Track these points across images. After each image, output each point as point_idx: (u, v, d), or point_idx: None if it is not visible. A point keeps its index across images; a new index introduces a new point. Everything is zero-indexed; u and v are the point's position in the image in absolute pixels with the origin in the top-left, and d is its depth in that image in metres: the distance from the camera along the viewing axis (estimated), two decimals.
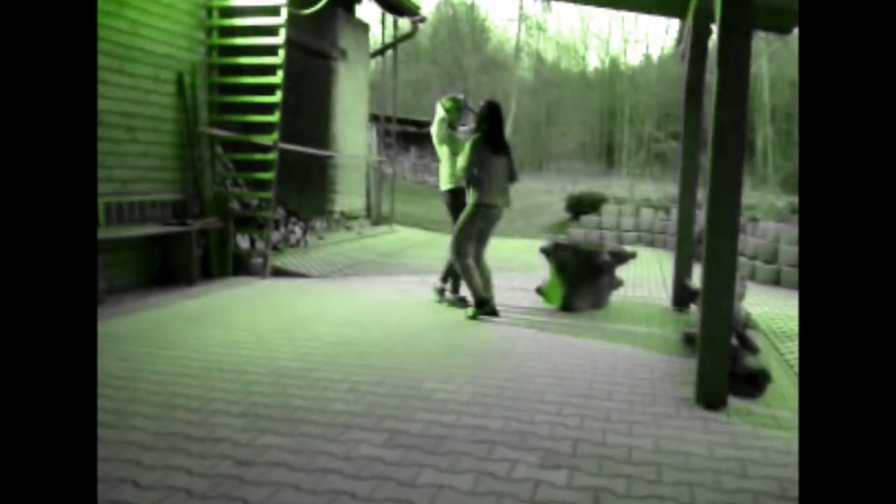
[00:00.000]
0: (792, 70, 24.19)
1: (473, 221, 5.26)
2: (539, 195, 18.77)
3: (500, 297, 5.80)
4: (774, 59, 24.58)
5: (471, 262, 5.27)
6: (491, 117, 5.29)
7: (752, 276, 7.84)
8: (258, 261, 6.99)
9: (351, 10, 11.08)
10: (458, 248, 5.24)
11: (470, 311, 5.27)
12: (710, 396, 3.34)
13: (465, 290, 5.60)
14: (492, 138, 5.24)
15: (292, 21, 7.24)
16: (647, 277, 7.39)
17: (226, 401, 3.23)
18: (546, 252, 5.86)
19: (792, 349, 4.63)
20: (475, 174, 5.19)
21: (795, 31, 5.53)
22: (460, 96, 5.92)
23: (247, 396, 3.30)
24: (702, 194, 5.70)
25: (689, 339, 4.33)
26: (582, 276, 5.67)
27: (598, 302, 5.77)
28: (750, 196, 11.62)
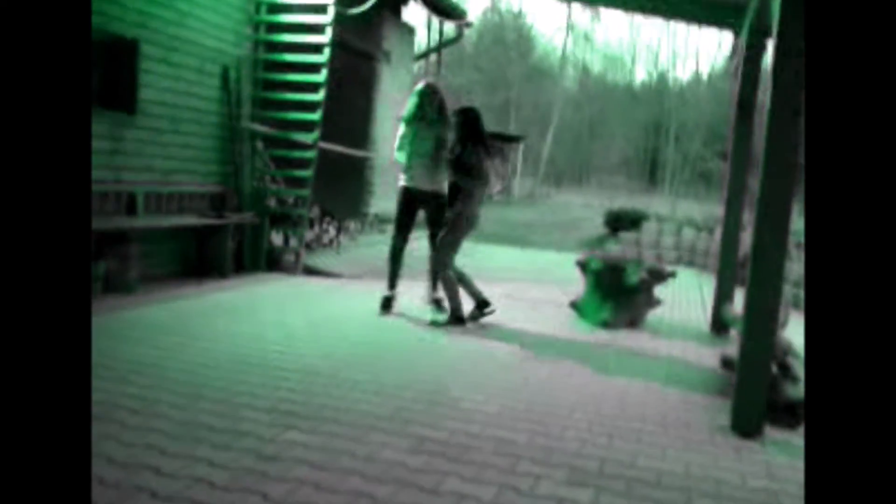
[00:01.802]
0: None
1: (466, 233, 5.29)
2: (577, 209, 18.66)
3: (532, 311, 5.78)
4: None
5: (452, 273, 5.27)
6: (474, 124, 5.27)
7: (796, 304, 7.67)
8: (291, 258, 7.08)
9: (397, 13, 11.19)
10: (447, 262, 5.24)
11: (441, 317, 5.17)
12: (746, 424, 3.27)
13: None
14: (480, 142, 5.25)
15: (338, 20, 7.34)
16: (686, 298, 7.28)
17: (252, 395, 3.28)
18: (582, 265, 5.82)
19: None
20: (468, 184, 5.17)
21: None
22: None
23: (273, 392, 3.34)
24: (748, 216, 5.61)
25: (726, 364, 4.25)
26: (618, 293, 5.61)
27: (635, 320, 5.70)
28: (798, 222, 11.37)
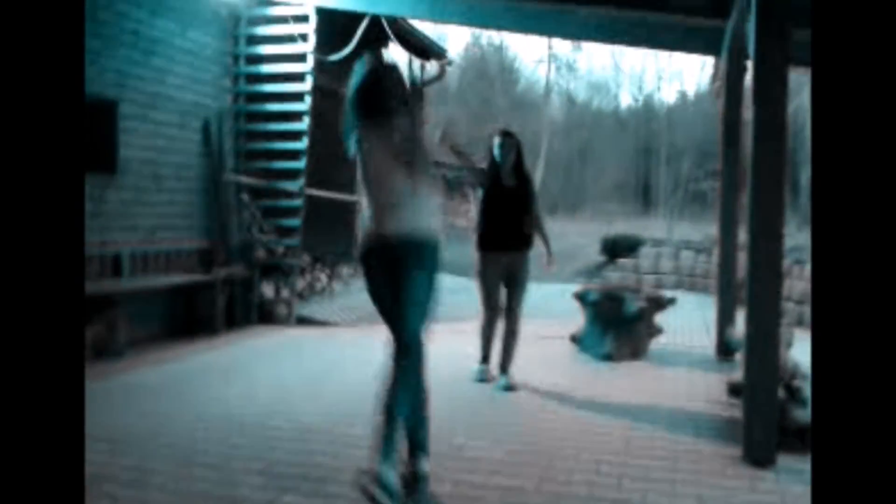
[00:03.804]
0: None
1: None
2: (573, 237, 18.72)
3: (533, 346, 5.76)
4: None
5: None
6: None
7: (800, 323, 7.66)
8: (283, 309, 7.06)
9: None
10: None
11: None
12: (758, 453, 3.24)
13: None
14: None
15: (319, 67, 7.46)
16: (688, 324, 7.26)
17: (247, 457, 3.23)
18: (580, 297, 5.81)
19: None
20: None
21: None
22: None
23: (268, 452, 3.30)
24: (743, 236, 5.64)
25: (734, 391, 4.22)
26: (618, 324, 5.59)
27: (637, 351, 5.67)
28: (795, 237, 11.43)
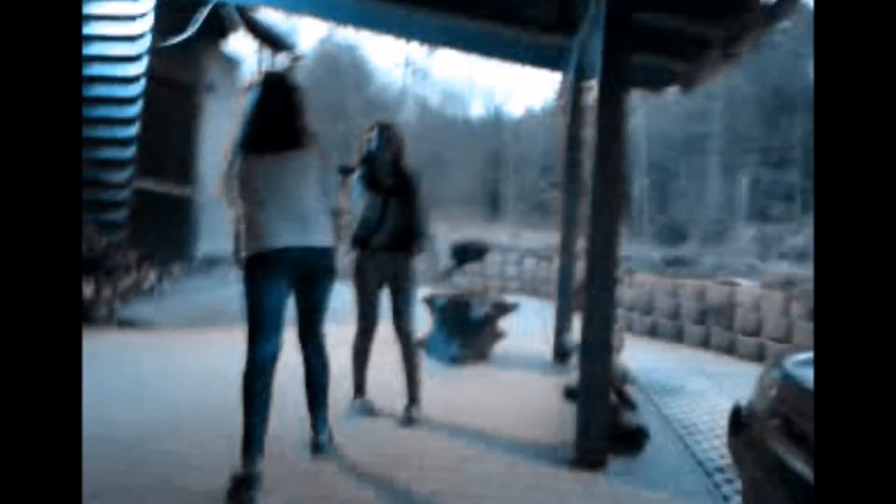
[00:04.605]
0: (667, 125, 26.15)
1: None
2: None
3: (376, 354, 5.68)
4: (652, 114, 26.51)
5: None
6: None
7: (629, 328, 8.18)
8: (103, 311, 6.45)
9: (221, 43, 10.80)
10: None
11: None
12: (591, 456, 3.35)
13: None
14: None
15: (155, 52, 6.94)
16: (529, 329, 7.51)
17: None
18: (429, 303, 5.82)
19: (669, 404, 4.80)
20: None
21: (669, 89, 5.92)
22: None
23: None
24: (581, 245, 5.91)
25: (569, 394, 4.38)
26: (464, 328, 5.66)
27: (482, 353, 5.77)
28: (626, 248, 12.25)
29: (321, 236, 3.12)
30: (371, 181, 4.04)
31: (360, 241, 4.02)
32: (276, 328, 2.99)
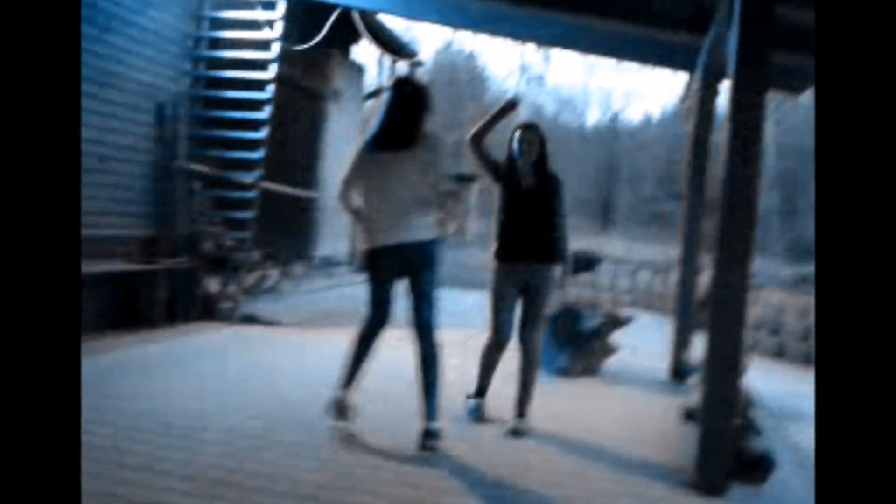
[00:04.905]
0: (799, 137, 24.61)
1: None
2: None
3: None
4: (782, 121, 25.07)
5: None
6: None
7: (755, 348, 7.73)
8: (228, 306, 6.80)
9: (346, 51, 11.19)
10: None
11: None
12: (710, 481, 3.16)
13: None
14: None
15: (284, 57, 7.26)
16: (643, 344, 7.24)
17: (174, 461, 3.03)
18: None
19: (798, 431, 4.47)
20: None
21: (806, 93, 5.55)
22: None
23: (197, 457, 3.10)
24: (704, 260, 5.63)
25: (689, 416, 4.17)
26: (575, 340, 5.52)
27: (591, 367, 5.61)
28: (752, 264, 11.60)
29: (424, 231, 3.43)
30: (511, 183, 3.95)
31: (500, 249, 3.93)
32: (385, 307, 3.58)
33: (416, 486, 2.96)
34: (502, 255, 3.91)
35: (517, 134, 3.95)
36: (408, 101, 3.46)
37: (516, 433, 3.78)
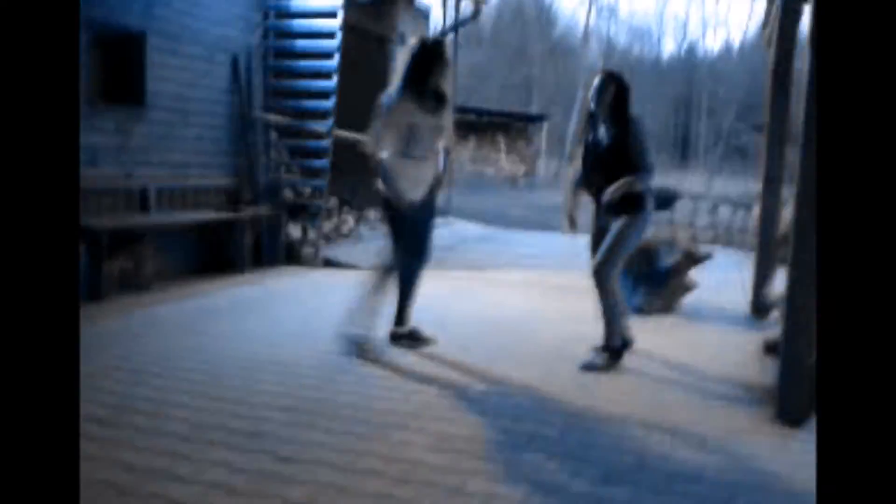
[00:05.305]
0: None
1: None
2: None
3: (567, 298, 5.69)
4: None
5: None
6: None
7: None
8: (310, 251, 7.07)
9: None
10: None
11: (598, 360, 3.95)
12: (792, 413, 3.17)
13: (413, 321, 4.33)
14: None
15: (350, 4, 7.28)
16: (723, 280, 7.13)
17: (270, 393, 3.26)
18: None
19: None
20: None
21: None
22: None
23: (292, 390, 3.32)
24: (787, 192, 5.45)
25: (770, 349, 4.14)
26: (651, 277, 5.50)
27: (669, 305, 5.58)
28: None
29: (429, 185, 4.00)
30: (590, 134, 3.99)
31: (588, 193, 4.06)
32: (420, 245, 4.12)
33: (495, 414, 3.09)
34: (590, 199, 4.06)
35: (595, 82, 3.93)
36: (428, 59, 3.84)
37: (589, 367, 3.88)
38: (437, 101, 3.95)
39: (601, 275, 3.93)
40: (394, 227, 4.00)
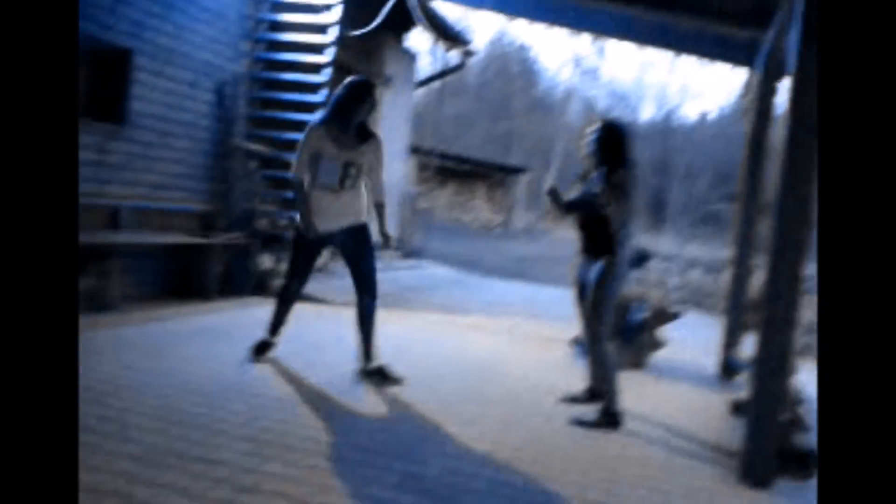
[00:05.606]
0: None
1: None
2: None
3: (533, 349, 5.70)
4: None
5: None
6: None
7: (806, 352, 7.61)
8: (280, 283, 6.99)
9: (400, 38, 11.31)
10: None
11: (588, 418, 3.85)
12: (756, 474, 3.19)
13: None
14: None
15: (340, 42, 7.40)
16: (692, 340, 7.21)
17: (231, 422, 3.19)
18: None
19: None
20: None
21: None
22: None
23: (253, 420, 3.25)
24: (757, 260, 5.57)
25: (737, 409, 4.18)
26: (622, 332, 5.54)
27: (638, 361, 5.62)
28: (811, 266, 11.37)
29: (351, 219, 4.17)
30: (584, 180, 4.09)
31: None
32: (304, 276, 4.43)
33: (456, 456, 3.06)
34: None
35: (593, 131, 4.01)
36: (356, 96, 4.02)
37: (580, 422, 3.83)
38: (360, 137, 4.09)
39: (593, 324, 3.96)
40: (294, 253, 4.34)
